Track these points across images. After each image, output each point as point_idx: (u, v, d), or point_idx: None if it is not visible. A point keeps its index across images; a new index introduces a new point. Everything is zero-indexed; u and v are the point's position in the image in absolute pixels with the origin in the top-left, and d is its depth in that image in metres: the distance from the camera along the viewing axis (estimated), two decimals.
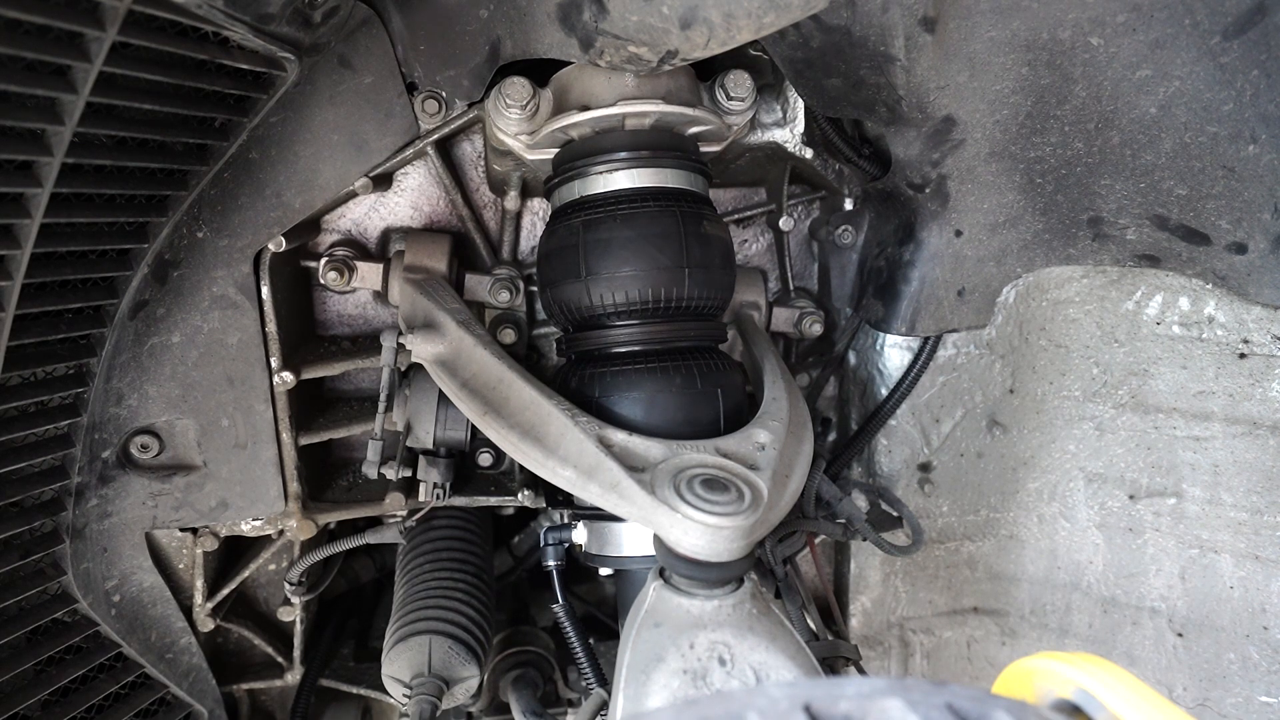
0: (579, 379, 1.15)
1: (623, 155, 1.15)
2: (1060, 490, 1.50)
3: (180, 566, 1.38)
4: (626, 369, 1.12)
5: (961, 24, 1.10)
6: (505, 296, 1.37)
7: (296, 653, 1.51)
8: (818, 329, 1.48)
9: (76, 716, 1.24)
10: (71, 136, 0.90)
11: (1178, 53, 1.09)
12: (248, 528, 1.37)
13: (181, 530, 1.35)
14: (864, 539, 1.35)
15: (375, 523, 1.46)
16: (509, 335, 1.40)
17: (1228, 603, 1.39)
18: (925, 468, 1.52)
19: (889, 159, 1.31)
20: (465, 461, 1.41)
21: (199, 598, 1.39)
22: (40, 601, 1.22)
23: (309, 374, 1.32)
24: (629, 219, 1.12)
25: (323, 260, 1.33)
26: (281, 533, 1.39)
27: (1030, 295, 1.41)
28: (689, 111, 1.15)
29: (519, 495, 1.39)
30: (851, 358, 1.52)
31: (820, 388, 1.55)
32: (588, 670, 1.20)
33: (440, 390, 1.25)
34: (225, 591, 1.41)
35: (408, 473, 1.34)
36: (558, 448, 1.02)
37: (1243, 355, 1.30)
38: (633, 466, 0.96)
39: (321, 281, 1.33)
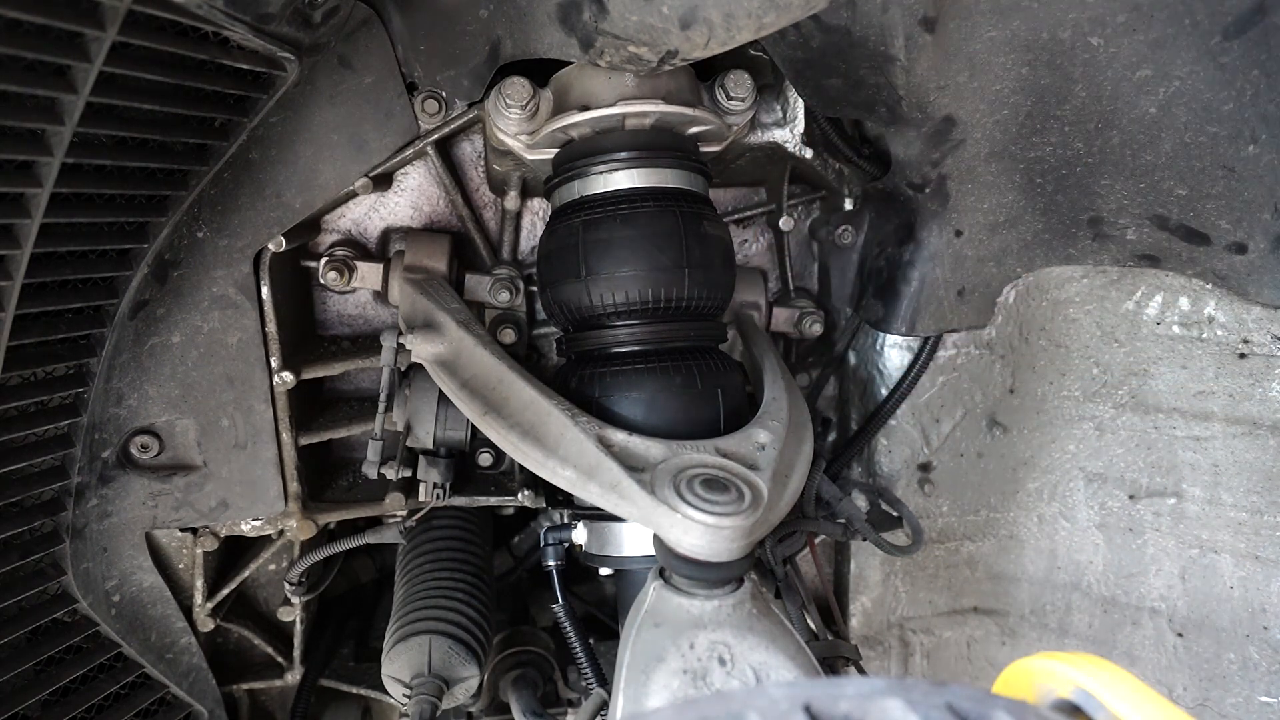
0: (579, 379, 1.15)
1: (623, 155, 1.15)
2: (1060, 490, 1.50)
3: (180, 566, 1.38)
4: (626, 369, 1.12)
5: (961, 24, 1.10)
6: (505, 296, 1.37)
7: (296, 653, 1.51)
8: (818, 329, 1.48)
9: (76, 716, 1.24)
10: (71, 136, 0.90)
11: (1178, 53, 1.09)
12: (248, 528, 1.36)
13: (181, 530, 1.35)
14: (864, 539, 1.35)
15: (375, 523, 1.46)
16: (509, 335, 1.40)
17: (1228, 603, 1.39)
18: (925, 468, 1.52)
19: (889, 159, 1.31)
20: (465, 461, 1.41)
21: (199, 598, 1.39)
22: (40, 601, 1.22)
23: (309, 374, 1.32)
24: (629, 219, 1.12)
25: (323, 260, 1.33)
26: (281, 533, 1.39)
27: (1030, 295, 1.41)
28: (689, 111, 1.15)
29: (519, 495, 1.39)
30: (851, 358, 1.52)
31: (820, 388, 1.55)
32: (588, 670, 1.20)
33: (440, 390, 1.25)
34: (225, 591, 1.41)
35: (408, 473, 1.34)
36: (558, 448, 1.02)
37: (1243, 355, 1.30)
38: (633, 466, 0.96)
39: (321, 281, 1.33)
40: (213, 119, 1.12)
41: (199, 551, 1.36)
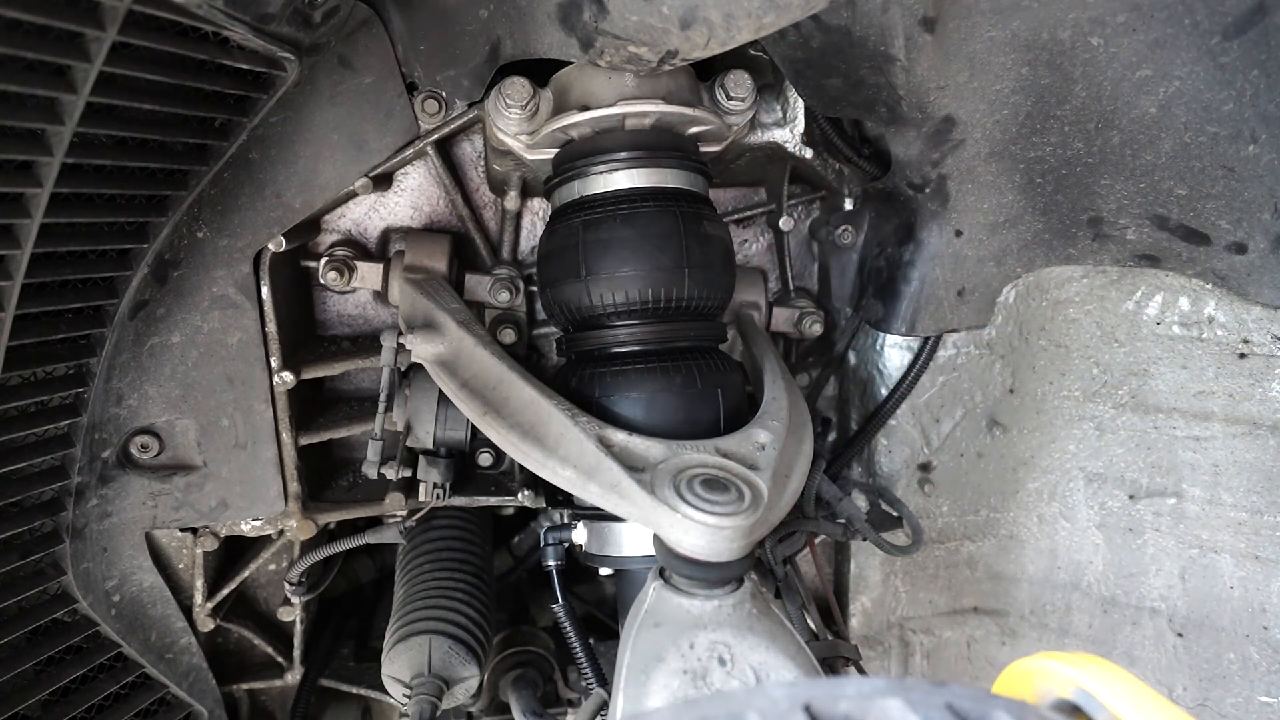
0: (579, 379, 1.15)
1: (623, 155, 1.15)
2: (1060, 490, 1.50)
3: (180, 566, 1.38)
4: (626, 369, 1.12)
5: (961, 24, 1.10)
6: (505, 296, 1.37)
7: (296, 653, 1.51)
8: (818, 329, 1.48)
9: (76, 716, 1.24)
10: (71, 136, 0.90)
11: (1178, 53, 1.09)
12: (248, 528, 1.36)
13: (181, 530, 1.35)
14: (864, 539, 1.35)
15: (375, 523, 1.46)
16: (509, 335, 1.40)
17: (1228, 603, 1.39)
18: (925, 468, 1.52)
19: (889, 159, 1.31)
20: (465, 461, 1.41)
21: (199, 598, 1.39)
22: (40, 601, 1.22)
23: (309, 374, 1.32)
24: (629, 219, 1.12)
25: (323, 260, 1.33)
26: (281, 533, 1.39)
27: (1030, 295, 1.41)
28: (689, 111, 1.15)
29: (519, 495, 1.39)
30: (851, 358, 1.52)
31: (820, 388, 1.55)
32: (588, 670, 1.20)
33: (440, 390, 1.25)
34: (225, 591, 1.41)
35: (408, 473, 1.34)
36: (558, 448, 1.02)
37: (1243, 355, 1.30)
38: (633, 466, 0.96)
39: (321, 281, 1.33)
40: (213, 119, 1.12)
41: (199, 551, 1.36)
